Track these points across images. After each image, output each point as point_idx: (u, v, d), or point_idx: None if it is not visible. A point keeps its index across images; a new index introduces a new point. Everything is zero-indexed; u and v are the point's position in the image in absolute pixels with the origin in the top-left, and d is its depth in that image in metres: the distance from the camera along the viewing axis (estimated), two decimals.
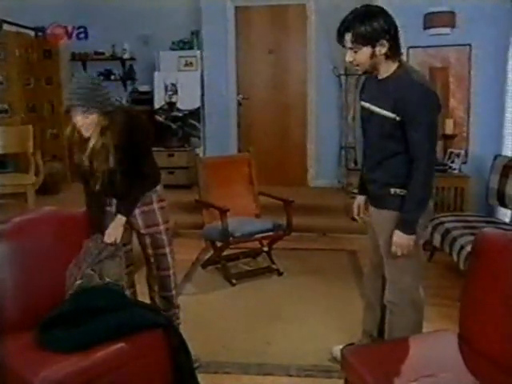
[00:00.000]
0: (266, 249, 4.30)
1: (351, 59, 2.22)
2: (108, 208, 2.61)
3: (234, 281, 3.93)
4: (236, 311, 3.46)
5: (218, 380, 2.68)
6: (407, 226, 2.22)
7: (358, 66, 2.25)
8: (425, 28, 4.79)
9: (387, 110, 2.20)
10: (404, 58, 5.03)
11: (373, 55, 2.17)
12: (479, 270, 2.03)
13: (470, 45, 4.79)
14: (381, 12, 2.18)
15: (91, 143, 2.40)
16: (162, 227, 2.69)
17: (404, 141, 2.20)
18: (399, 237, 2.24)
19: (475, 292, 2.01)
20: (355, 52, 2.18)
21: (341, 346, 2.65)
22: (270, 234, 4.07)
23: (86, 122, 2.36)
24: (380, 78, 2.27)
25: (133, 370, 2.12)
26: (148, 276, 2.81)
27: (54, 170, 5.49)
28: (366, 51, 2.16)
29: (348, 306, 3.44)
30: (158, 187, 2.69)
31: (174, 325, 2.50)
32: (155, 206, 2.67)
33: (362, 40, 2.14)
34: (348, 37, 2.17)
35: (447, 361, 1.95)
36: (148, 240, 2.69)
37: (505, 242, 2.03)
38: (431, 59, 4.91)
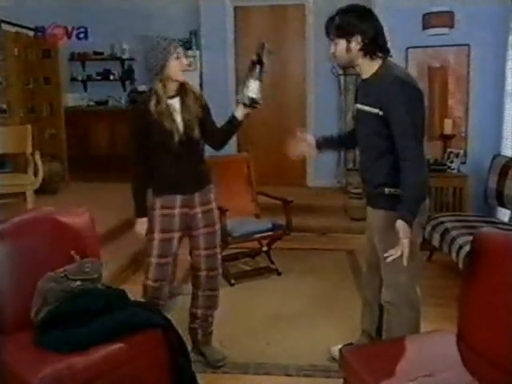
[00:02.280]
0: (265, 249, 4.30)
1: (332, 50, 2.33)
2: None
3: (232, 281, 3.93)
4: (235, 311, 3.46)
5: (216, 379, 2.68)
6: (406, 220, 2.16)
7: (336, 58, 2.34)
8: (424, 28, 4.78)
9: (371, 106, 2.25)
10: (403, 57, 5.06)
11: (348, 49, 2.26)
12: (477, 270, 2.03)
13: (468, 45, 4.80)
14: (361, 10, 2.29)
15: (189, 99, 2.54)
16: (216, 227, 2.74)
17: (393, 138, 2.22)
18: (402, 225, 2.14)
19: (473, 291, 2.01)
20: (335, 44, 2.29)
21: (339, 346, 2.65)
22: (269, 233, 4.08)
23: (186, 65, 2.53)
24: (364, 77, 2.33)
25: (132, 369, 2.13)
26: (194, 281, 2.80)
27: (52, 170, 5.49)
28: (342, 44, 2.27)
29: (347, 306, 3.44)
30: (212, 185, 2.75)
31: (173, 325, 2.49)
32: (213, 205, 2.72)
33: (338, 32, 2.27)
34: (330, 28, 2.30)
35: (446, 360, 1.95)
36: (202, 240, 2.68)
37: (503, 241, 2.03)
38: (430, 59, 4.92)
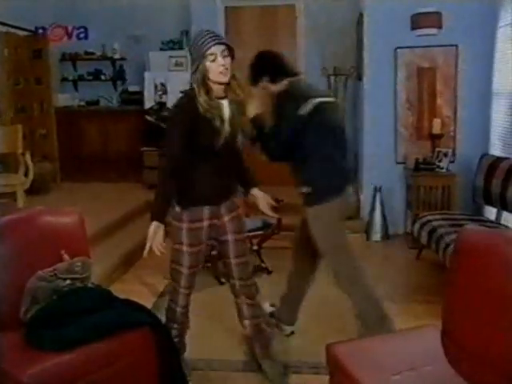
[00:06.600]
0: (255, 247, 4.31)
1: None
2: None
3: (222, 279, 3.95)
4: (224, 309, 3.47)
5: (205, 377, 2.70)
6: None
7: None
8: (412, 29, 4.82)
9: None
10: (392, 58, 5.08)
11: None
12: (461, 267, 2.06)
13: (456, 45, 4.84)
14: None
15: (229, 101, 2.36)
16: (245, 234, 2.68)
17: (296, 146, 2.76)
18: None
19: (457, 288, 2.04)
20: None
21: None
22: (260, 232, 4.10)
23: (230, 65, 2.29)
24: None
25: (120, 368, 2.14)
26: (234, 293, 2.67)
27: (43, 170, 5.48)
28: None
29: (337, 304, 3.47)
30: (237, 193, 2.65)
31: (162, 323, 2.51)
32: (239, 211, 2.62)
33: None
34: None
35: (429, 355, 1.99)
36: (232, 248, 2.56)
37: (486, 239, 2.07)
38: (419, 59, 4.95)
